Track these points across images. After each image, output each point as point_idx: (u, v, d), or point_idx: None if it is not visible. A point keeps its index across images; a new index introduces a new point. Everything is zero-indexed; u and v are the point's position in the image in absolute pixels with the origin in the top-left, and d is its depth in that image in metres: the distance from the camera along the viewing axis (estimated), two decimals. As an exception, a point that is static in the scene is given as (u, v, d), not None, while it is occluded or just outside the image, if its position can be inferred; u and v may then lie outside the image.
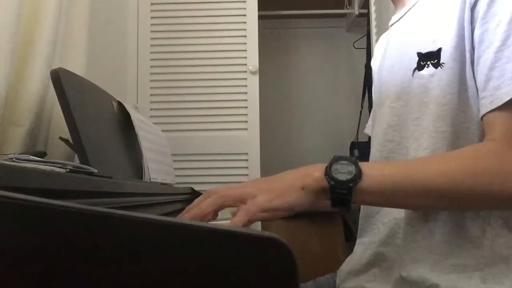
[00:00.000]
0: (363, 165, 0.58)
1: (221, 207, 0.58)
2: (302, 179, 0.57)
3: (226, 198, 0.58)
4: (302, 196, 0.57)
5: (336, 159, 0.58)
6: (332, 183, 0.56)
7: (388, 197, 0.58)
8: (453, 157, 0.60)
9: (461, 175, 0.55)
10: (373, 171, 0.57)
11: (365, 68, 2.48)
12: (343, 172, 0.56)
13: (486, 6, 0.59)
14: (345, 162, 0.57)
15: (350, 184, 0.55)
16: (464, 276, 0.61)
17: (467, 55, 0.62)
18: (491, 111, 0.58)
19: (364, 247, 0.75)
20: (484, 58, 0.59)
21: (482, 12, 0.60)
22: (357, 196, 0.56)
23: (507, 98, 0.56)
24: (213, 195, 0.59)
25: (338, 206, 0.57)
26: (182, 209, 0.88)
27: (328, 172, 0.57)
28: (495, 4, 0.59)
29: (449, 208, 0.62)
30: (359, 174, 0.56)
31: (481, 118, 0.60)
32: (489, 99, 0.58)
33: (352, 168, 0.57)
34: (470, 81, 0.62)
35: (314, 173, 0.57)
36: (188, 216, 0.58)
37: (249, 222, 0.56)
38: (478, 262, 0.61)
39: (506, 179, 0.54)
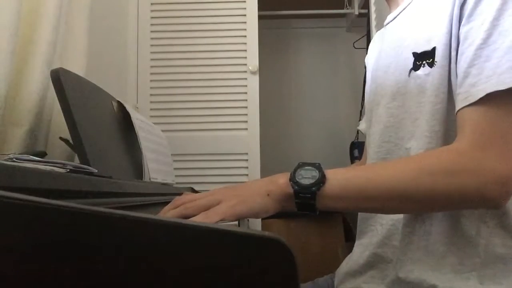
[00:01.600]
0: (328, 171, 0.58)
1: (187, 216, 0.57)
2: (268, 185, 0.58)
3: (192, 209, 0.57)
4: (267, 202, 0.57)
5: (301, 165, 0.59)
6: (296, 187, 0.57)
7: (352, 200, 0.58)
8: (415, 158, 0.61)
9: (421, 175, 0.56)
10: (336, 175, 0.58)
11: (365, 68, 2.47)
12: (307, 177, 0.57)
13: (473, 4, 0.59)
14: (309, 167, 0.58)
15: (313, 188, 0.56)
16: (462, 277, 0.61)
17: (453, 53, 0.62)
18: (464, 107, 0.58)
19: (362, 248, 0.75)
20: (465, 56, 0.59)
21: (469, 9, 0.60)
22: (321, 200, 0.57)
23: (481, 95, 0.56)
24: (180, 205, 0.58)
25: (304, 211, 0.58)
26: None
27: (292, 178, 0.58)
28: (482, 2, 0.59)
29: (416, 209, 0.62)
30: (322, 179, 0.57)
31: (456, 115, 0.60)
32: (463, 96, 0.58)
33: (316, 173, 0.57)
34: (454, 79, 0.62)
35: (279, 179, 0.59)
36: None
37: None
38: (474, 262, 0.61)
39: (466, 177, 0.54)
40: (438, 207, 0.60)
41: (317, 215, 0.58)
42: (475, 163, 0.55)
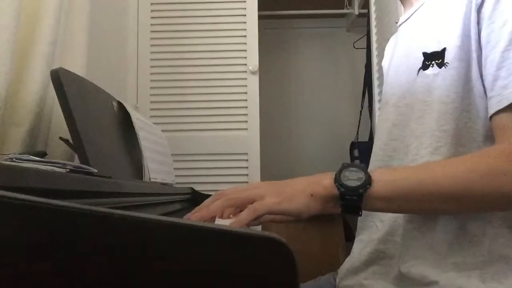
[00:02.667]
0: (372, 171, 0.58)
1: (231, 209, 0.59)
2: (312, 186, 0.58)
3: (235, 200, 0.58)
4: (310, 203, 0.57)
5: (346, 166, 0.58)
6: (342, 190, 0.56)
7: (399, 202, 0.58)
8: (465, 160, 0.60)
9: (472, 177, 0.55)
10: (383, 176, 0.57)
11: (365, 68, 2.48)
12: (353, 178, 0.56)
13: (492, 6, 0.60)
14: (354, 169, 0.57)
15: (361, 190, 0.56)
16: (464, 275, 0.61)
17: (473, 55, 0.63)
18: (499, 111, 0.58)
19: (362, 244, 0.76)
20: (491, 58, 0.60)
21: (488, 12, 0.60)
22: (368, 202, 0.56)
23: None
24: (223, 196, 0.59)
25: (349, 213, 0.57)
26: (182, 209, 0.89)
27: (337, 179, 0.57)
28: (501, 4, 0.59)
29: (462, 211, 0.61)
30: (369, 180, 0.56)
31: (490, 118, 0.60)
32: (496, 99, 0.59)
33: (361, 174, 0.57)
34: (476, 81, 0.63)
35: (324, 180, 0.58)
36: (197, 216, 0.58)
37: (255, 221, 0.56)
38: (477, 260, 0.61)
39: None
40: (488, 208, 0.60)
41: (317, 215, 0.58)
42: None
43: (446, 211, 0.62)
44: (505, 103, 0.57)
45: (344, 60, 2.88)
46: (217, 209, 0.58)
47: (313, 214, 0.58)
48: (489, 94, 0.60)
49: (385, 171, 0.60)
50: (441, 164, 0.62)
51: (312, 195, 0.57)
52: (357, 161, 2.38)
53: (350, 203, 0.56)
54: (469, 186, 0.55)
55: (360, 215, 0.58)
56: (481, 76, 0.62)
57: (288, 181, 0.61)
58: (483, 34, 0.61)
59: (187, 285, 0.29)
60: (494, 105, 0.59)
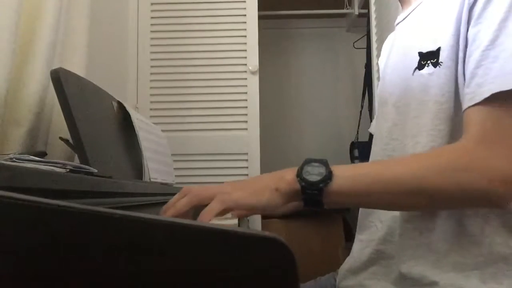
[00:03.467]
0: (335, 167, 0.59)
1: (197, 206, 0.59)
2: (276, 181, 0.59)
3: (201, 197, 0.59)
4: (275, 197, 0.59)
5: (308, 161, 0.60)
6: (303, 184, 0.57)
7: (359, 197, 0.60)
8: (426, 155, 0.61)
9: (429, 172, 0.57)
10: (345, 172, 0.59)
11: (365, 68, 2.48)
12: (314, 173, 0.58)
13: (482, 6, 0.60)
14: (316, 164, 0.59)
15: (321, 185, 0.57)
16: (463, 275, 0.61)
17: (460, 54, 0.63)
18: (470, 107, 0.58)
19: (362, 245, 0.76)
20: (473, 57, 0.60)
21: (478, 12, 0.61)
22: (328, 196, 0.57)
23: (486, 95, 0.56)
24: (189, 193, 0.60)
25: (311, 206, 0.59)
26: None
27: (299, 174, 0.58)
28: (490, 4, 0.59)
29: (420, 206, 0.63)
30: (329, 175, 0.57)
31: (462, 114, 0.61)
32: (470, 96, 0.59)
33: (323, 169, 0.58)
34: (461, 79, 0.63)
35: (287, 175, 0.59)
36: (165, 216, 0.58)
37: (224, 211, 0.57)
38: (477, 261, 0.61)
39: (472, 175, 0.55)
40: (444, 204, 0.61)
41: (317, 215, 0.59)
42: (481, 161, 0.55)
43: (406, 207, 0.64)
44: (477, 100, 0.57)
45: (344, 60, 2.88)
46: (184, 207, 0.59)
47: (279, 208, 0.59)
48: (465, 90, 0.61)
49: (347, 167, 0.61)
50: (401, 160, 0.64)
51: (276, 189, 0.59)
52: (357, 161, 2.39)
53: (311, 197, 0.58)
54: (424, 182, 0.56)
55: (322, 208, 0.59)
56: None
57: (254, 177, 0.65)
58: (470, 33, 0.61)
59: (187, 285, 0.29)
60: (467, 101, 0.59)
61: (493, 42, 0.58)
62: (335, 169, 0.58)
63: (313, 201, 0.58)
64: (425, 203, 0.60)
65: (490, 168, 0.55)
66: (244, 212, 0.62)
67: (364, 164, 0.71)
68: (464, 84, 0.62)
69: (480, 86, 0.58)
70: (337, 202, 0.59)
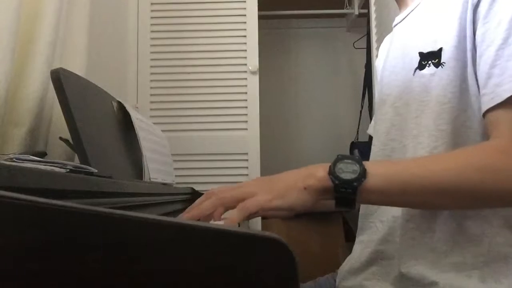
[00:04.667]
0: (367, 164, 0.57)
1: (222, 207, 0.58)
2: (305, 179, 0.57)
3: (226, 199, 0.57)
4: (304, 196, 0.56)
5: (340, 158, 0.57)
6: (337, 182, 0.55)
7: (394, 195, 0.57)
8: (459, 154, 0.60)
9: (468, 171, 0.55)
10: (378, 169, 0.57)
11: (365, 68, 2.48)
12: (348, 171, 0.56)
13: (488, 5, 0.60)
14: (349, 161, 0.57)
15: (355, 183, 0.55)
16: (463, 275, 0.61)
17: (469, 54, 0.63)
18: (492, 108, 0.58)
19: (363, 245, 0.76)
20: (485, 57, 0.60)
21: (484, 11, 0.61)
22: (362, 195, 0.56)
23: (507, 95, 0.56)
24: (213, 196, 0.58)
25: (342, 206, 0.57)
26: (182, 209, 0.89)
27: (332, 171, 0.56)
28: (496, 3, 0.59)
29: (457, 206, 0.61)
30: (363, 173, 0.55)
31: (483, 115, 0.60)
32: (489, 96, 0.59)
33: (356, 167, 0.56)
34: (471, 80, 0.63)
35: (317, 172, 0.57)
36: (188, 216, 0.58)
37: (247, 218, 0.56)
38: (477, 260, 0.61)
39: (511, 175, 0.54)
40: (482, 203, 0.59)
41: (317, 215, 0.58)
42: None
43: (441, 206, 0.62)
44: (498, 100, 0.57)
45: (344, 60, 2.88)
46: (208, 209, 0.57)
47: (308, 207, 0.57)
48: (482, 91, 0.60)
49: (380, 164, 0.59)
50: (436, 158, 0.62)
51: (305, 187, 0.56)
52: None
53: (344, 196, 0.56)
54: (463, 181, 0.55)
55: (353, 208, 0.57)
56: (476, 75, 0.62)
57: (280, 175, 0.60)
58: (478, 33, 0.61)
59: (187, 285, 0.29)
60: (487, 102, 0.59)
61: (506, 40, 0.58)
62: (369, 167, 0.56)
63: (346, 199, 0.56)
64: (460, 202, 0.58)
65: None
66: (269, 213, 0.60)
67: (399, 161, 0.68)
68: (475, 84, 0.62)
69: (498, 86, 0.57)
70: (369, 200, 0.58)
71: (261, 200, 0.55)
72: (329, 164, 0.57)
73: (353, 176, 0.55)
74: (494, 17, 0.59)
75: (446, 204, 0.60)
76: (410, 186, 0.56)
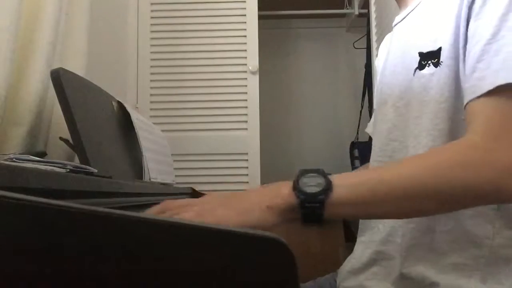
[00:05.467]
0: (333, 176, 0.54)
1: None
2: (268, 197, 0.53)
3: (182, 216, 0.52)
4: (267, 216, 0.53)
5: (303, 173, 0.54)
6: (302, 197, 0.52)
7: (363, 205, 0.54)
8: (430, 154, 0.59)
9: (438, 169, 0.54)
10: (344, 180, 0.54)
11: (365, 68, 2.48)
12: (312, 184, 0.52)
13: (482, 2, 0.60)
14: (313, 174, 0.54)
15: (321, 196, 0.52)
16: (464, 276, 0.61)
17: (461, 52, 0.62)
18: (472, 101, 0.57)
19: (364, 246, 0.76)
20: (473, 52, 0.59)
21: (477, 8, 0.60)
22: (330, 208, 0.52)
23: (488, 88, 0.55)
24: (168, 211, 0.54)
25: (310, 222, 0.53)
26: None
27: (296, 187, 0.52)
28: (490, 0, 0.59)
29: (432, 209, 0.58)
30: (329, 185, 0.52)
31: (464, 109, 0.59)
32: (471, 89, 0.58)
33: (321, 180, 0.53)
34: (463, 77, 0.62)
35: (281, 190, 0.53)
36: None
37: None
38: (478, 261, 0.61)
39: (482, 170, 0.53)
40: (456, 203, 0.57)
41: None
42: (489, 155, 0.53)
43: (412, 212, 0.59)
44: (479, 93, 0.56)
45: (344, 60, 2.87)
46: None
47: (271, 226, 0.53)
48: (465, 85, 0.59)
49: (345, 175, 0.56)
50: (405, 161, 0.60)
51: (268, 207, 0.52)
52: (357, 161, 2.39)
53: (311, 211, 0.52)
54: (432, 180, 0.53)
55: (321, 224, 0.53)
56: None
57: (239, 194, 0.56)
58: (470, 29, 0.61)
59: (187, 285, 0.29)
60: (468, 95, 0.58)
61: (494, 36, 0.57)
62: (334, 178, 0.54)
63: (314, 215, 0.52)
64: (433, 205, 0.56)
65: (499, 161, 0.52)
66: None
67: (365, 170, 0.66)
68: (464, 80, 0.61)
69: (481, 79, 0.57)
70: (339, 213, 0.54)
71: (219, 214, 0.52)
72: (293, 180, 0.54)
73: (318, 189, 0.52)
74: (486, 13, 0.59)
75: (417, 210, 0.57)
76: (378, 192, 0.53)
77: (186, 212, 0.51)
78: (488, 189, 0.53)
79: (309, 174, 0.54)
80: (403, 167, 0.56)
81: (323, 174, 0.54)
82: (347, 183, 0.54)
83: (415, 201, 0.54)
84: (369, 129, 0.95)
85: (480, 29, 0.59)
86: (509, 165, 0.53)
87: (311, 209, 0.52)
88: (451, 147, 0.58)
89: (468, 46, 0.61)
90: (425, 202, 0.55)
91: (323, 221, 0.53)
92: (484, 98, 0.56)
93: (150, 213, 0.54)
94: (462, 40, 0.62)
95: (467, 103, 0.58)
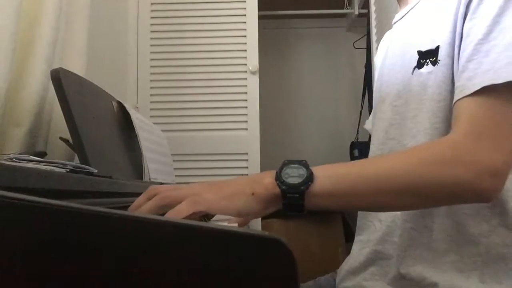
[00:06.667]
0: (315, 168, 0.55)
1: (165, 209, 0.52)
2: (253, 185, 0.55)
3: (171, 199, 0.52)
4: (252, 203, 0.54)
5: (286, 163, 0.56)
6: (283, 187, 0.53)
7: (343, 198, 0.56)
8: (412, 151, 0.60)
9: (415, 166, 0.55)
10: (325, 172, 0.55)
11: (365, 68, 2.48)
12: (294, 175, 0.54)
13: (478, 1, 0.60)
14: (295, 165, 0.55)
15: (302, 187, 0.53)
16: (463, 275, 0.61)
17: (456, 51, 0.63)
18: (459, 100, 0.58)
19: (361, 245, 0.76)
20: (466, 51, 0.60)
21: (473, 7, 0.60)
22: (311, 199, 0.54)
23: (475, 88, 0.56)
24: (156, 195, 0.53)
25: (291, 211, 0.55)
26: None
27: (278, 177, 0.54)
28: (485, 0, 0.59)
29: (409, 204, 0.59)
30: (310, 177, 0.54)
31: (453, 107, 0.60)
32: (460, 89, 0.58)
33: (303, 171, 0.54)
34: (456, 76, 0.62)
35: (264, 179, 0.55)
36: None
37: (194, 215, 0.52)
38: (475, 260, 0.61)
39: (460, 168, 0.53)
40: (432, 200, 0.58)
41: (317, 215, 0.57)
42: (469, 153, 0.54)
43: (390, 206, 0.61)
44: (466, 93, 0.57)
45: (344, 60, 2.88)
46: (151, 210, 0.52)
47: (256, 214, 0.55)
48: (456, 84, 0.60)
49: (328, 167, 0.57)
50: (388, 156, 0.62)
51: (253, 194, 0.54)
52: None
53: (292, 202, 0.54)
54: (411, 176, 0.54)
55: (304, 213, 0.55)
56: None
57: (227, 181, 0.58)
58: (465, 28, 0.61)
59: (187, 285, 0.29)
60: (457, 94, 0.59)
61: (486, 36, 0.58)
62: (316, 170, 0.55)
63: (294, 205, 0.54)
64: (412, 200, 0.57)
65: (478, 161, 0.54)
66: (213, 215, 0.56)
67: (348, 163, 0.67)
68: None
69: (470, 79, 0.57)
70: (320, 205, 0.55)
71: (209, 198, 0.53)
72: (276, 170, 0.56)
73: (299, 180, 0.53)
74: (481, 13, 0.59)
75: (396, 204, 0.59)
76: (357, 186, 0.55)
77: (180, 205, 0.51)
78: (464, 189, 0.54)
79: (292, 165, 0.55)
80: (383, 162, 0.58)
81: (306, 166, 0.55)
82: (328, 174, 0.55)
83: (391, 196, 0.56)
84: (367, 125, 0.95)
85: (474, 29, 0.59)
86: (487, 166, 0.53)
87: (292, 199, 0.54)
88: (433, 145, 0.59)
89: (462, 45, 0.61)
90: (401, 198, 0.56)
91: (304, 211, 0.55)
92: (470, 98, 0.57)
93: (139, 201, 0.54)
94: (458, 39, 0.62)
95: (455, 102, 0.59)
